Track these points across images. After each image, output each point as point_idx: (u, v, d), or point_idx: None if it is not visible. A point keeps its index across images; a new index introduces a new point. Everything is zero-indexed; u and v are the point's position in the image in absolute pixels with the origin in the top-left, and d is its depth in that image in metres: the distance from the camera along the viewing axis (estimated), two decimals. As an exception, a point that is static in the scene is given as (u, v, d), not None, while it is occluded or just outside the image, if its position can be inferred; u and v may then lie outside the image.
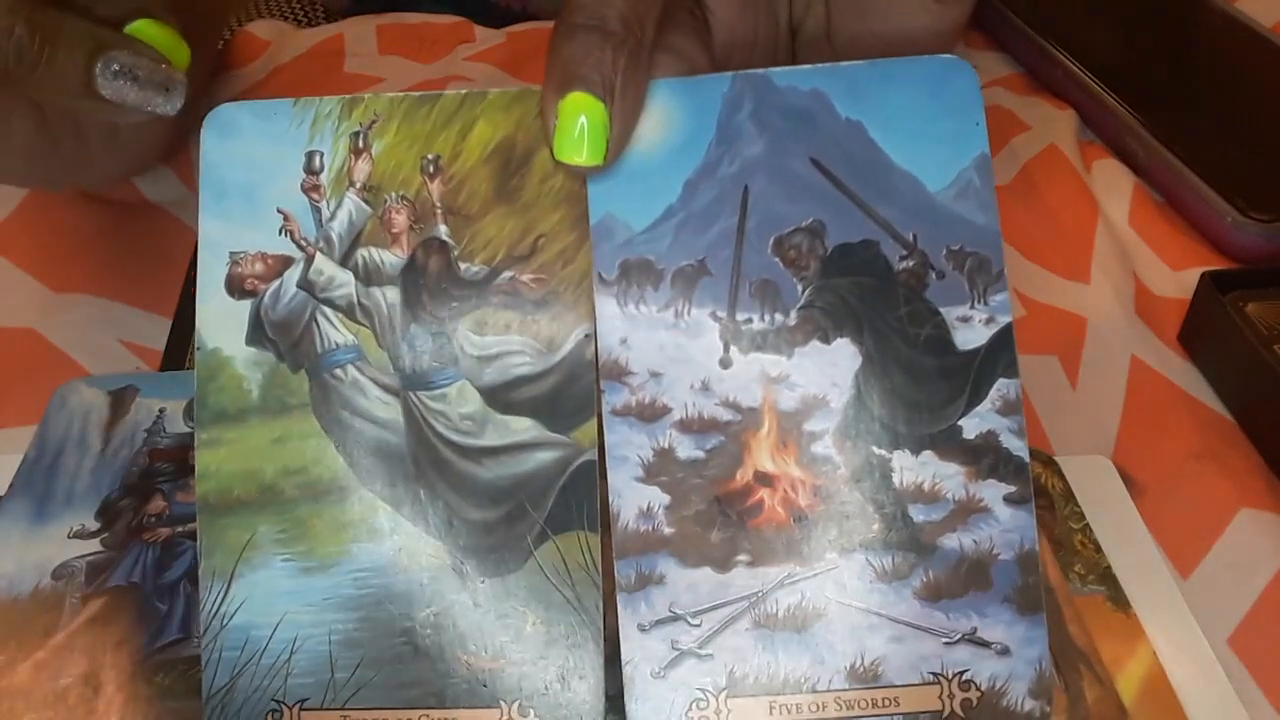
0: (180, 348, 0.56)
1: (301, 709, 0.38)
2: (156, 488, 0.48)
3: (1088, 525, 0.47)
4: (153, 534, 0.46)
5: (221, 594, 0.38)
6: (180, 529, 0.46)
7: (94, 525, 0.46)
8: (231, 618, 0.38)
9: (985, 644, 0.37)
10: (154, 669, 0.41)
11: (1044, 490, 0.48)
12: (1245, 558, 0.46)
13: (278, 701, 0.38)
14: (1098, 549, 0.46)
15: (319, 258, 0.39)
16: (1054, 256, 0.62)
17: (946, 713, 0.37)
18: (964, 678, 0.37)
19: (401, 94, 0.40)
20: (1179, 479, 0.50)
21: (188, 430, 0.50)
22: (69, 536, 0.46)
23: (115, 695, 0.41)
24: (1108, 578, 0.45)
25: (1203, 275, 0.54)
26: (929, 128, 0.38)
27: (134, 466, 0.49)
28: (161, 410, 0.51)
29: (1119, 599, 0.44)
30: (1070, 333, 0.57)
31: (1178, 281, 0.61)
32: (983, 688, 0.37)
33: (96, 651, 0.42)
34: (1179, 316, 0.57)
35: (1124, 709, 0.40)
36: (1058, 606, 0.44)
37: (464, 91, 0.40)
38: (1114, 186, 0.66)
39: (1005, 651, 0.37)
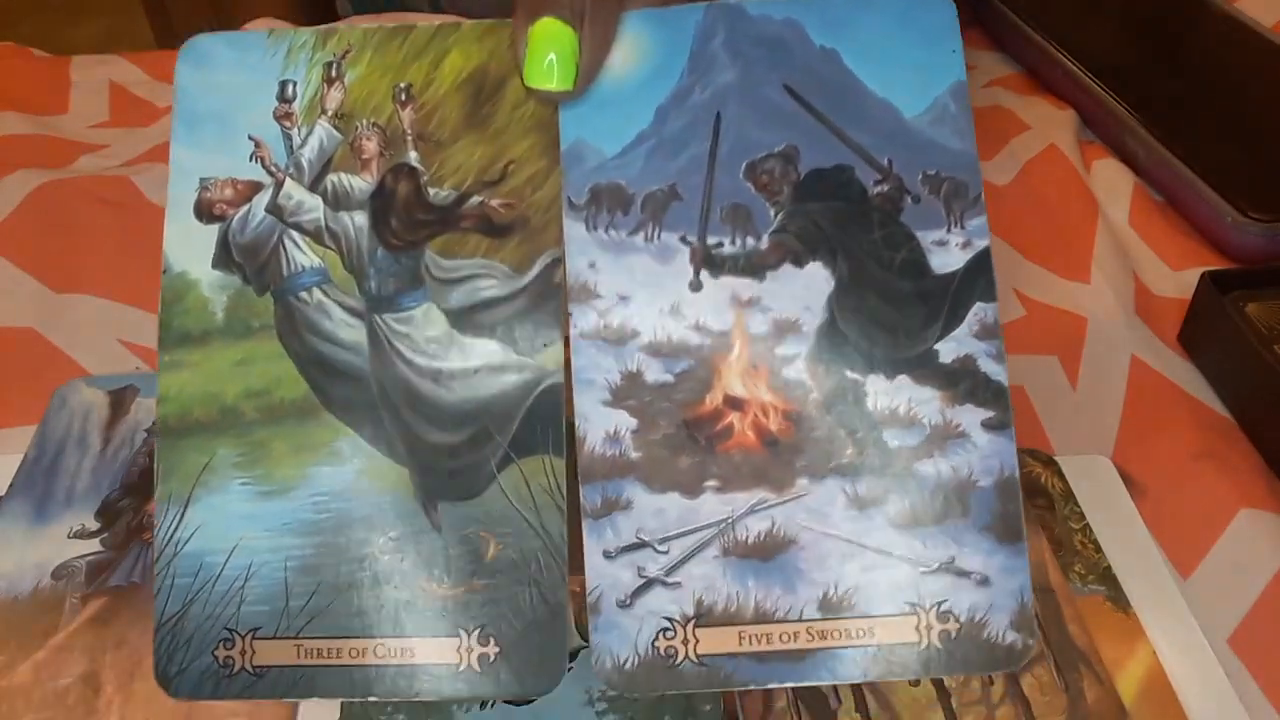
0: None
1: (254, 637, 0.37)
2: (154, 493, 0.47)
3: (1088, 525, 0.46)
4: (152, 534, 0.45)
5: (177, 519, 0.37)
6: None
7: (94, 525, 0.46)
8: (186, 543, 0.37)
9: (964, 573, 0.36)
10: (154, 669, 0.40)
11: (1044, 490, 0.48)
12: (1245, 558, 0.45)
13: (230, 629, 0.37)
14: (1098, 549, 0.45)
15: (288, 183, 0.39)
16: (1054, 256, 0.62)
17: (924, 644, 0.35)
18: (942, 608, 0.36)
19: (375, 25, 0.40)
20: (1179, 479, 0.49)
21: None
22: (69, 536, 0.46)
23: (115, 695, 0.40)
24: (1108, 578, 0.44)
25: (1203, 275, 0.54)
26: (904, 55, 0.38)
27: (134, 466, 0.49)
28: None
29: (1119, 599, 0.43)
30: (1070, 333, 0.57)
31: (1178, 281, 0.60)
32: (961, 619, 0.35)
33: (96, 651, 0.42)
34: (1179, 316, 0.57)
35: (1124, 709, 0.39)
36: (1058, 606, 0.42)
37: (437, 23, 0.40)
38: (1114, 186, 0.66)
39: (985, 582, 0.36)
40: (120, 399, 0.52)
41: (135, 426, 0.50)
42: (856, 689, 0.39)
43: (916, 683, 0.39)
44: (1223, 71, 0.72)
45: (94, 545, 0.45)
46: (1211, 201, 0.61)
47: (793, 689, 0.39)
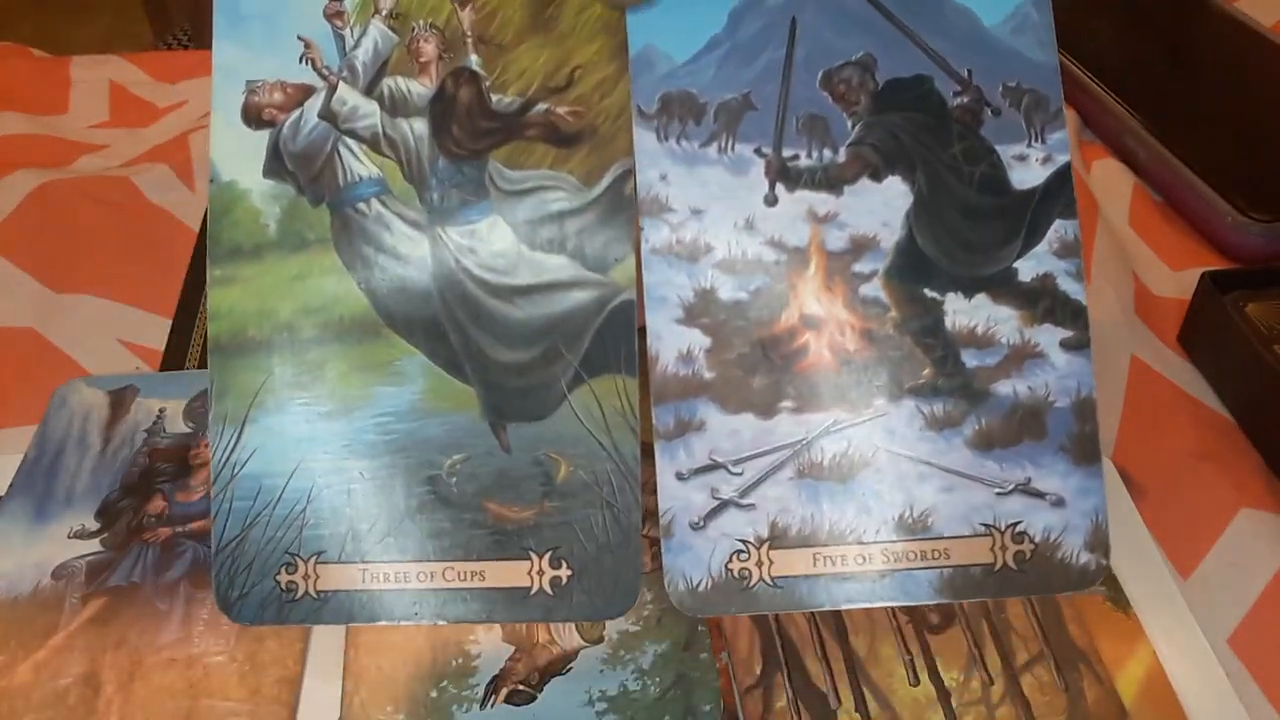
0: (180, 348, 0.55)
1: (318, 562, 0.36)
2: (156, 488, 0.47)
3: None
4: (153, 534, 0.45)
5: (233, 441, 0.36)
6: (180, 529, 0.44)
7: (94, 525, 0.45)
8: (243, 466, 0.36)
9: (1039, 494, 0.36)
10: (154, 669, 0.40)
11: None
12: (1245, 558, 0.46)
13: (291, 554, 0.36)
14: None
15: (342, 87, 0.37)
16: None
17: (999, 565, 0.35)
18: (1017, 529, 0.35)
19: (431, -82, 0.38)
20: (1179, 479, 0.49)
21: (188, 430, 0.48)
22: (69, 536, 0.45)
23: (115, 695, 0.39)
24: (1108, 578, 0.43)
25: (1203, 275, 0.54)
26: None
27: (134, 466, 0.48)
28: (161, 410, 0.50)
29: (1119, 599, 0.43)
30: None
31: (1178, 281, 0.60)
32: (1036, 540, 0.35)
33: (96, 651, 0.41)
34: (1179, 316, 0.57)
35: (1124, 709, 0.39)
36: (1058, 606, 0.42)
37: None
38: (1114, 186, 0.66)
39: (1060, 503, 0.36)
40: (120, 399, 0.51)
41: (135, 426, 0.49)
42: (856, 689, 0.39)
43: (917, 682, 0.39)
44: (1223, 71, 0.71)
45: (94, 545, 0.44)
46: (1211, 201, 0.60)
47: (793, 689, 0.39)
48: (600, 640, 0.40)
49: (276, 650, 0.40)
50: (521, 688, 0.39)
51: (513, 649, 0.40)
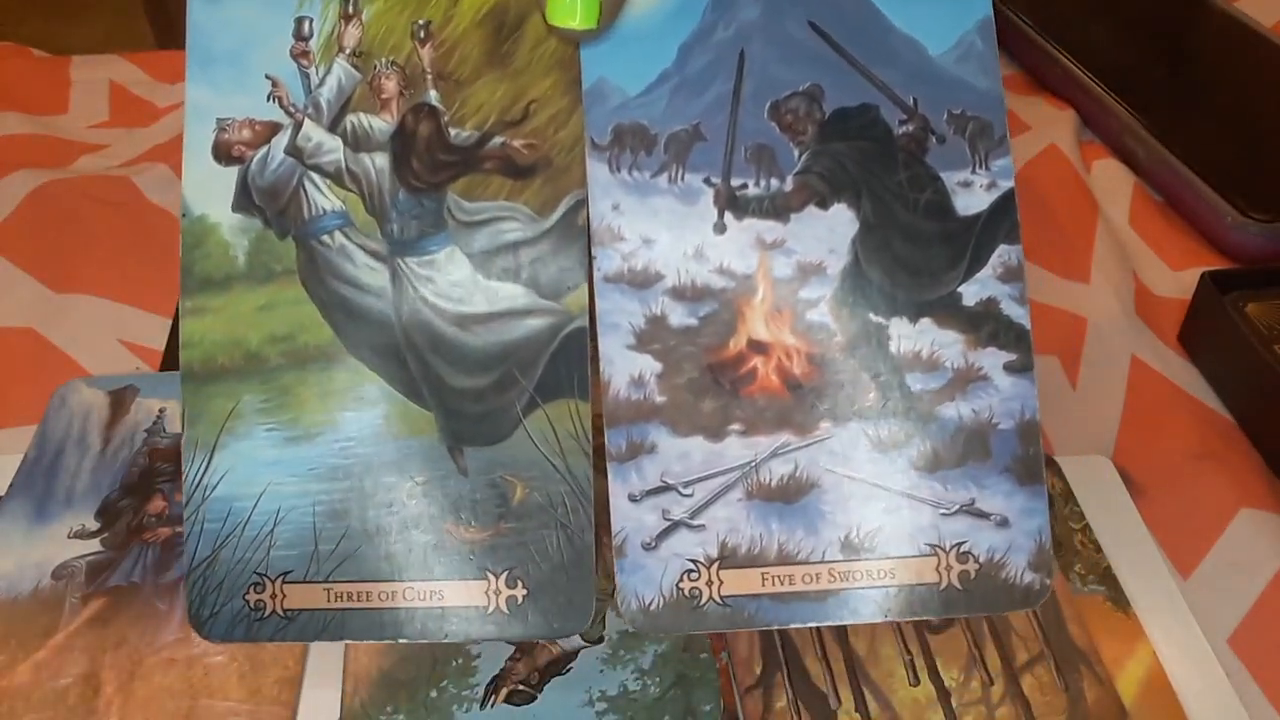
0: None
1: (284, 581, 0.37)
2: (156, 488, 0.48)
3: (1088, 525, 0.46)
4: (153, 534, 0.46)
5: (204, 465, 0.38)
6: (180, 529, 0.45)
7: (94, 525, 0.46)
8: (214, 489, 0.38)
9: (984, 515, 0.36)
10: (154, 669, 0.41)
11: None
12: (1245, 558, 0.46)
13: (260, 574, 0.37)
14: (1098, 549, 0.45)
15: (307, 123, 0.38)
16: (1054, 256, 0.61)
17: (944, 585, 0.36)
18: (962, 549, 0.36)
19: (392, -41, 0.39)
20: (1179, 479, 0.49)
21: None
22: (69, 536, 0.46)
23: (115, 695, 0.40)
24: (1108, 578, 0.44)
25: (1203, 275, 0.54)
26: None
27: (134, 466, 0.49)
28: (161, 410, 0.51)
29: (1119, 599, 0.43)
30: (1070, 333, 0.57)
31: (1178, 281, 0.60)
32: (981, 560, 0.36)
33: (96, 651, 0.42)
34: (1179, 316, 0.57)
35: (1124, 709, 0.40)
36: (1058, 606, 0.43)
37: None
38: (1114, 186, 0.66)
39: (1004, 523, 0.36)
40: (120, 399, 0.52)
41: (135, 426, 0.50)
42: (856, 689, 0.40)
43: (917, 682, 0.40)
44: (1223, 71, 0.72)
45: (94, 545, 0.45)
46: (1211, 201, 0.61)
47: (793, 688, 0.40)
48: (600, 640, 0.41)
49: (276, 650, 0.41)
50: (521, 688, 0.40)
51: (513, 649, 0.41)
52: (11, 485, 0.48)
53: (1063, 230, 0.63)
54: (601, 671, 0.40)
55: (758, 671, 0.40)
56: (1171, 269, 0.61)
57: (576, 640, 0.41)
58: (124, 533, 0.46)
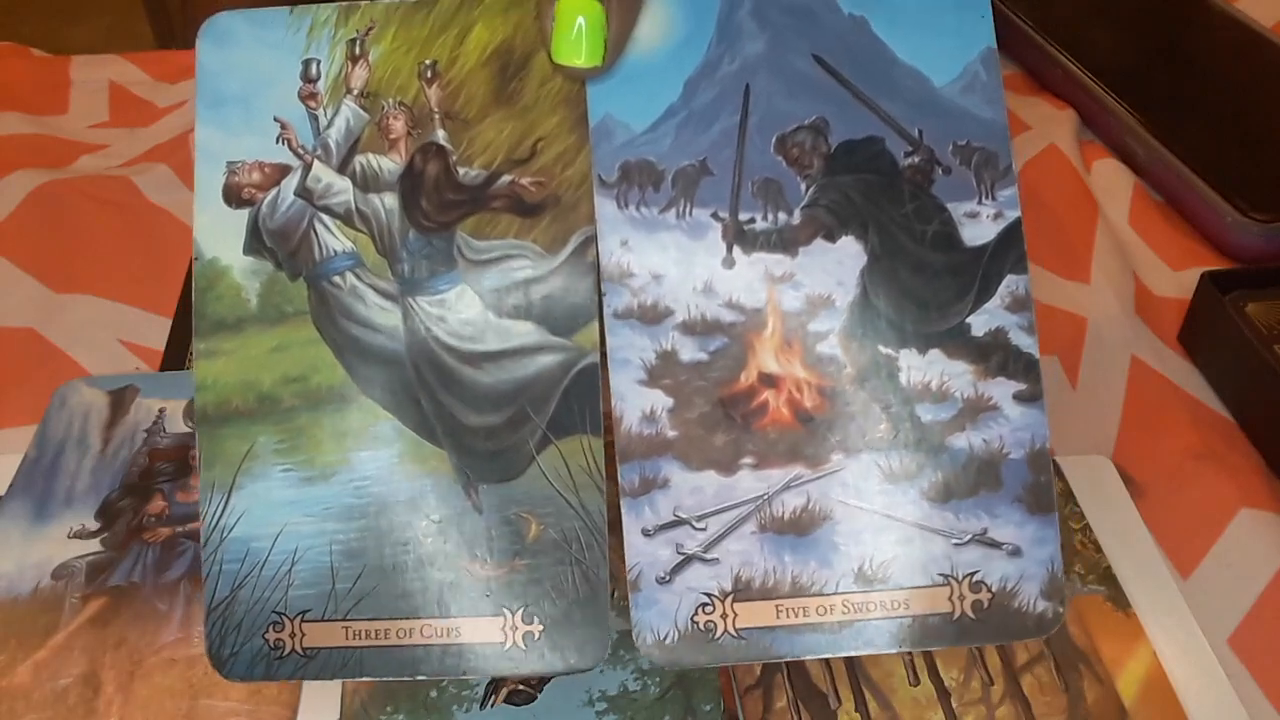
0: (180, 348, 0.56)
1: (303, 620, 0.38)
2: (156, 488, 0.48)
3: (1088, 525, 0.47)
4: (153, 534, 0.46)
5: (221, 506, 0.38)
6: (180, 529, 0.46)
7: (94, 525, 0.47)
8: (231, 530, 0.38)
9: (996, 544, 0.36)
10: (154, 669, 0.41)
11: None
12: (1245, 558, 0.46)
13: (279, 613, 0.38)
14: (1098, 549, 0.46)
15: (316, 165, 0.39)
16: (1054, 256, 0.62)
17: (957, 614, 0.36)
18: (974, 579, 0.36)
19: (398, 0, 0.39)
20: (1179, 479, 0.49)
21: (188, 430, 0.50)
22: (69, 536, 0.46)
23: (115, 695, 0.41)
24: (1108, 578, 0.44)
25: (1203, 275, 0.54)
26: (934, 21, 0.38)
27: (134, 466, 0.49)
28: (161, 410, 0.51)
29: (1119, 599, 0.44)
30: (1070, 333, 0.57)
31: (1178, 281, 0.60)
32: (994, 589, 0.36)
33: (96, 651, 0.42)
34: (1179, 316, 0.57)
35: (1124, 709, 0.40)
36: None
37: None
38: (1114, 186, 0.66)
39: (1016, 552, 0.36)
40: (120, 399, 0.52)
41: (135, 426, 0.51)
42: (857, 688, 0.40)
43: (916, 682, 0.40)
44: (1223, 71, 0.71)
45: (94, 545, 0.46)
46: (1211, 201, 0.61)
47: (793, 689, 0.40)
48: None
49: None
50: (521, 688, 0.41)
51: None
52: (11, 485, 0.48)
53: (1063, 230, 0.63)
54: (601, 671, 0.41)
55: (758, 671, 0.41)
56: (1171, 269, 0.61)
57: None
58: (124, 533, 0.46)
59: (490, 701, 0.40)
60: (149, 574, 0.44)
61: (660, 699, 0.40)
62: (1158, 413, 0.53)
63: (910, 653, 0.41)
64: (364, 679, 0.37)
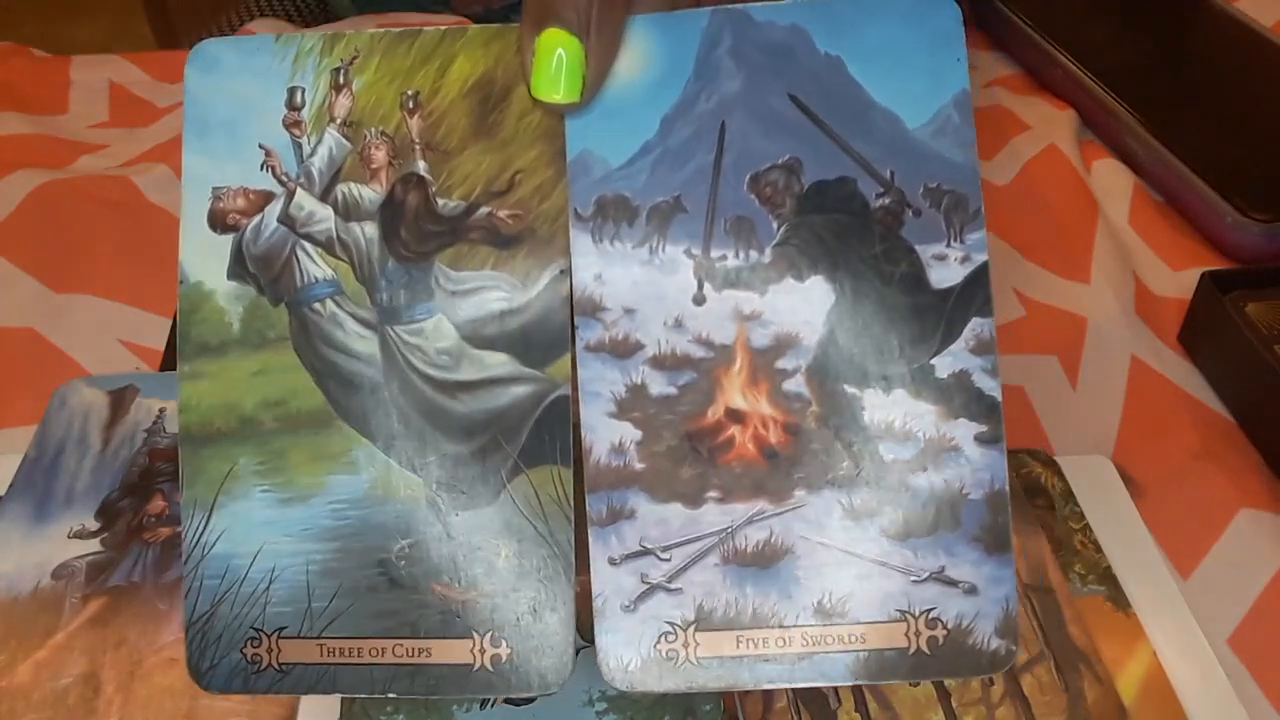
0: None
1: (280, 637, 0.39)
2: (156, 488, 0.48)
3: (1088, 525, 0.47)
4: (153, 534, 0.47)
5: (203, 524, 0.39)
6: (180, 529, 0.46)
7: (94, 525, 0.47)
8: (212, 547, 0.39)
9: (953, 583, 0.37)
10: (154, 669, 0.42)
11: (1044, 490, 0.48)
12: (1245, 558, 0.46)
13: (257, 629, 0.39)
14: (1098, 549, 0.46)
15: (300, 193, 0.39)
16: (1054, 256, 0.62)
17: (913, 650, 0.37)
18: (931, 615, 0.37)
19: (382, 30, 0.40)
20: (1179, 479, 0.50)
21: None
22: (69, 536, 0.47)
23: (115, 695, 0.41)
24: (1108, 578, 0.45)
25: (1203, 275, 0.54)
26: (908, 63, 0.38)
27: (134, 466, 0.50)
28: (161, 410, 0.52)
29: (1119, 599, 0.44)
30: (1070, 333, 0.57)
31: (1178, 281, 0.61)
32: (949, 626, 0.37)
33: (96, 651, 0.43)
34: (1179, 316, 0.57)
35: (1124, 709, 0.40)
36: (1058, 606, 0.44)
37: (444, 28, 0.40)
38: (1114, 186, 0.66)
39: (972, 590, 0.37)
40: (120, 399, 0.52)
41: (135, 426, 0.51)
42: (857, 689, 0.41)
43: (916, 683, 0.41)
44: (1223, 71, 0.71)
45: (94, 545, 0.46)
46: (1211, 201, 0.61)
47: (792, 689, 0.41)
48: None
49: None
50: None
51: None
52: (11, 485, 0.49)
53: (1063, 230, 0.63)
54: None
55: None
56: (1171, 269, 0.62)
57: (576, 639, 0.42)
58: (124, 533, 0.47)
59: (490, 701, 0.41)
60: (149, 574, 0.45)
61: (660, 699, 0.41)
62: (1158, 413, 0.53)
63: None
64: (336, 695, 0.38)
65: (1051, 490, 0.48)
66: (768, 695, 0.41)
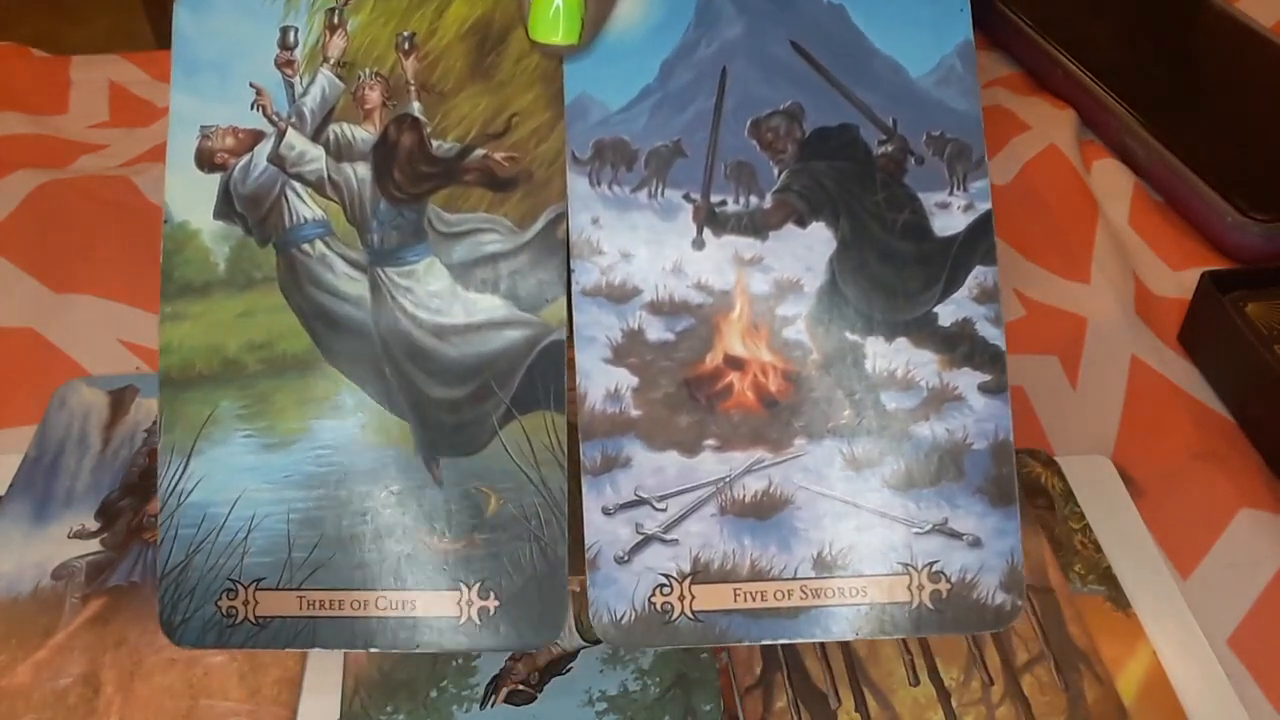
0: None
1: (257, 588, 0.37)
2: (156, 488, 0.47)
3: (1088, 525, 0.46)
4: (153, 534, 0.45)
5: (180, 470, 0.38)
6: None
7: (94, 525, 0.46)
8: (189, 494, 0.38)
9: (956, 535, 0.36)
10: (154, 669, 0.41)
11: (1044, 490, 0.48)
12: (1245, 558, 0.46)
13: (233, 580, 0.37)
14: (1098, 549, 0.45)
15: (290, 132, 0.39)
16: (1054, 256, 0.61)
17: (915, 604, 0.36)
18: (934, 569, 0.36)
19: (379, -29, 0.39)
20: (1179, 479, 0.49)
21: None
22: (69, 536, 0.46)
23: (115, 695, 0.40)
24: (1108, 578, 0.44)
25: (1203, 275, 0.54)
26: (911, 12, 0.38)
27: (134, 466, 0.49)
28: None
29: (1119, 599, 0.43)
30: (1070, 333, 0.57)
31: (1178, 281, 0.60)
32: (953, 579, 0.36)
33: (96, 651, 0.42)
34: (1179, 316, 0.57)
35: (1124, 709, 0.40)
36: (1058, 606, 0.43)
37: None
38: (1114, 186, 0.66)
39: (977, 543, 0.36)
40: (120, 399, 0.52)
41: (135, 426, 0.50)
42: (857, 688, 0.40)
43: (916, 682, 0.40)
44: (1223, 71, 0.72)
45: (94, 545, 0.45)
46: (1211, 201, 0.61)
47: (793, 689, 0.40)
48: (600, 640, 0.41)
49: (277, 650, 0.41)
50: (522, 688, 0.40)
51: (513, 649, 0.41)
52: (11, 485, 0.48)
53: (1063, 230, 0.63)
54: (601, 671, 0.40)
55: (758, 671, 0.40)
56: (1171, 269, 0.61)
57: (576, 640, 0.41)
58: (124, 533, 0.46)
59: (490, 701, 0.40)
60: (149, 574, 0.44)
61: (660, 699, 0.40)
62: (1158, 413, 0.52)
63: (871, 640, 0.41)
64: (315, 649, 0.37)
65: (1051, 490, 0.47)
66: (768, 695, 0.40)
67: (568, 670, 0.40)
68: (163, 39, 1.39)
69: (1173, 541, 0.46)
